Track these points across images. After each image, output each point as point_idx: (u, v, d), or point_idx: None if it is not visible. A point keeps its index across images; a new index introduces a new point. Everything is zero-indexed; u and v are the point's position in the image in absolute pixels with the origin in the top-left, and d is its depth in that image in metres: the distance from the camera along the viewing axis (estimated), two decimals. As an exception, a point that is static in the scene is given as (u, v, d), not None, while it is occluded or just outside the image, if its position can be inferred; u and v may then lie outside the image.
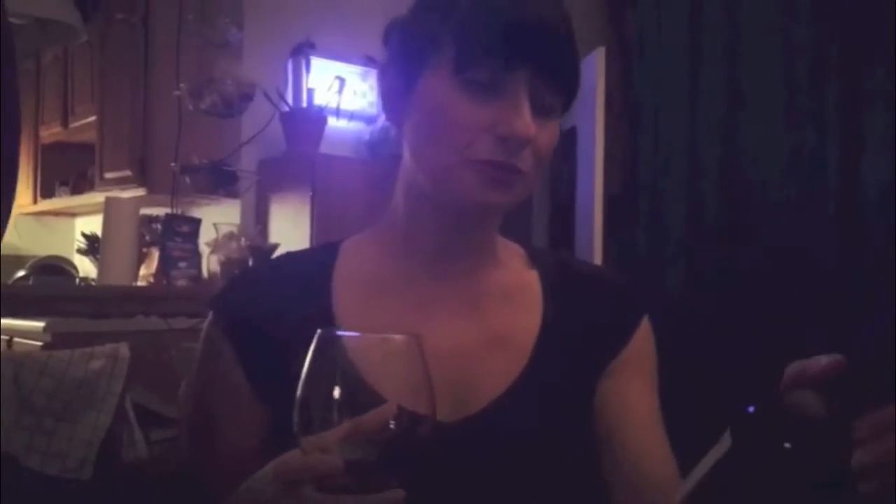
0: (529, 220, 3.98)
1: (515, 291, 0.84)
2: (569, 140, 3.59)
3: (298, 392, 0.61)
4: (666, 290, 3.24)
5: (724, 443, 0.58)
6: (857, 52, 2.67)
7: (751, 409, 0.58)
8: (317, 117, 2.85)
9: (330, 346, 0.62)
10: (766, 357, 2.51)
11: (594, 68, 3.35)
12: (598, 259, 3.18)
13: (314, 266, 0.85)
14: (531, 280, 0.85)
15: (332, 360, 0.61)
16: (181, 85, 2.52)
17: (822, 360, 0.57)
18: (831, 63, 2.74)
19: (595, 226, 3.20)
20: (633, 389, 0.84)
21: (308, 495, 0.59)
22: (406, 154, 0.80)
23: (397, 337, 0.63)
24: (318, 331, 0.62)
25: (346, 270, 0.84)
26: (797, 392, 0.56)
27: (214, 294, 0.87)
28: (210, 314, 0.84)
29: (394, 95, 0.80)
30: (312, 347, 0.62)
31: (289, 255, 0.93)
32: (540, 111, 0.75)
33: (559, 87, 0.76)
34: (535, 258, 0.88)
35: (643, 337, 0.86)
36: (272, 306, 0.80)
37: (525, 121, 0.73)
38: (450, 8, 0.76)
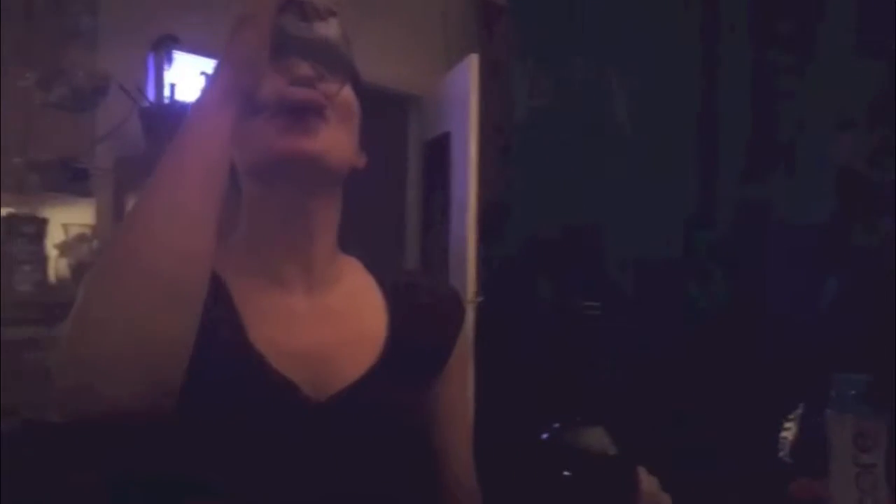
0: (403, 222, 3.96)
1: (360, 296, 0.96)
2: (442, 146, 3.59)
3: None
4: (537, 295, 3.28)
5: None
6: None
7: (544, 436, 0.70)
8: (180, 114, 2.70)
9: None
10: (634, 360, 2.59)
11: (467, 75, 3.37)
12: (471, 263, 3.18)
13: None
14: (371, 285, 0.98)
15: None
16: (28, 75, 2.34)
17: None
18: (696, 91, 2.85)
19: (468, 230, 3.20)
20: (453, 391, 1.00)
21: None
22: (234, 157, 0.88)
23: None
24: None
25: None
26: (578, 429, 0.70)
27: None
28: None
29: None
30: None
31: None
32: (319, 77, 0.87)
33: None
34: (371, 268, 1.01)
35: (463, 339, 1.02)
36: None
37: (304, 67, 0.85)
38: None
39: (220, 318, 0.84)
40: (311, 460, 0.84)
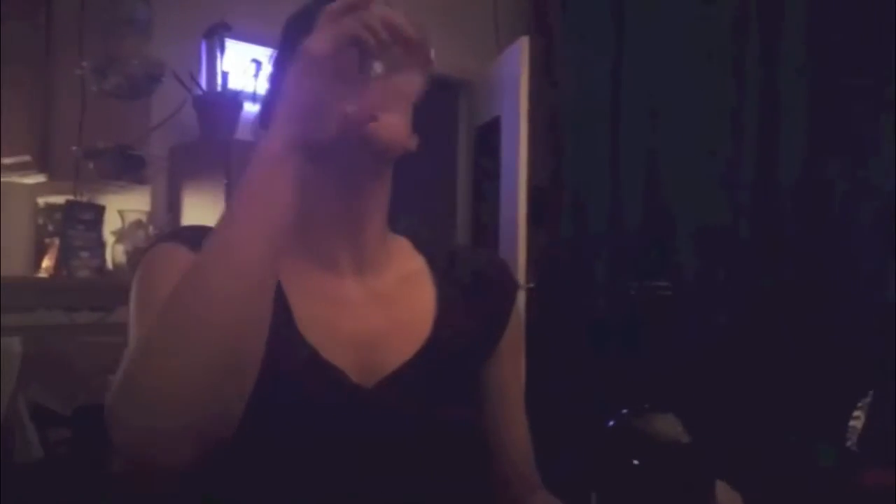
0: (454, 209, 3.94)
1: (410, 278, 0.94)
2: (493, 130, 3.55)
3: None
4: (591, 280, 3.24)
5: None
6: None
7: (610, 423, 0.64)
8: (232, 102, 2.73)
9: None
10: (684, 345, 2.53)
11: (517, 58, 3.32)
12: (521, 249, 3.15)
13: None
14: (421, 266, 0.96)
15: None
16: (84, 63, 2.38)
17: None
18: (751, 54, 2.78)
19: (519, 216, 3.17)
20: (506, 370, 0.98)
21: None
22: None
23: None
24: None
25: None
26: (648, 415, 0.64)
27: (165, 233, 0.97)
28: (153, 247, 0.89)
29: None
30: None
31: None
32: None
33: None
34: (420, 247, 0.98)
35: (516, 316, 0.99)
36: None
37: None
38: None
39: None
40: (362, 446, 0.83)
